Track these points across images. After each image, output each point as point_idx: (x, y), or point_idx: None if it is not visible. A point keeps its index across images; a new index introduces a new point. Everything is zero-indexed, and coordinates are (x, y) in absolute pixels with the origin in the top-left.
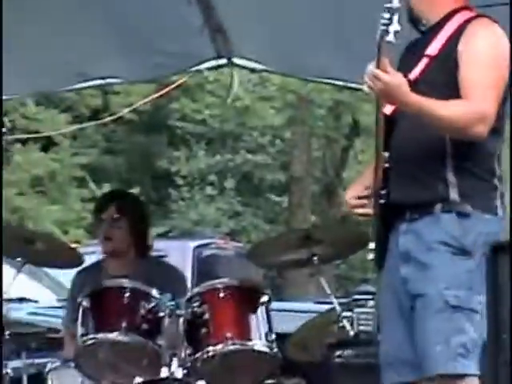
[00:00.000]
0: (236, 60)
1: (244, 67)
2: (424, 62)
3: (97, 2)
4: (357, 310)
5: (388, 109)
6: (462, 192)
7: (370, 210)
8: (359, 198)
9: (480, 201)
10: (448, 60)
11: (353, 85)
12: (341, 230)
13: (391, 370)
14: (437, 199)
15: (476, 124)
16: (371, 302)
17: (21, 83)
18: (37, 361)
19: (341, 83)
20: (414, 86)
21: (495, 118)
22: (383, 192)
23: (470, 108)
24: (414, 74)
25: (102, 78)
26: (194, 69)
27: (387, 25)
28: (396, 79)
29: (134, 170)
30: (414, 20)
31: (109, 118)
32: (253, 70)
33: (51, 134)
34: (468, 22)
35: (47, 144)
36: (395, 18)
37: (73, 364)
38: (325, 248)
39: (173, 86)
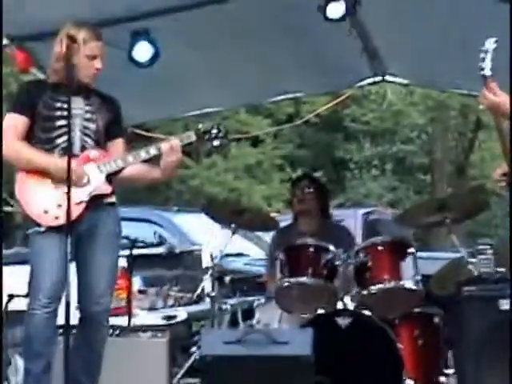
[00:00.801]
0: (388, 77)
1: (394, 82)
2: None
3: (292, 33)
4: (479, 256)
5: None
6: None
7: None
8: (503, 175)
9: None
10: None
11: (474, 93)
12: (467, 199)
13: None
14: None
15: None
16: (490, 251)
17: (236, 97)
18: (248, 299)
19: (466, 92)
20: None
21: None
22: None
23: None
24: None
25: (292, 92)
26: (357, 84)
27: (483, 62)
28: (499, 99)
29: (319, 159)
30: None
31: (300, 121)
32: (400, 84)
33: (258, 133)
34: None
35: (255, 141)
36: (488, 56)
37: (274, 300)
38: (455, 213)
39: (344, 96)
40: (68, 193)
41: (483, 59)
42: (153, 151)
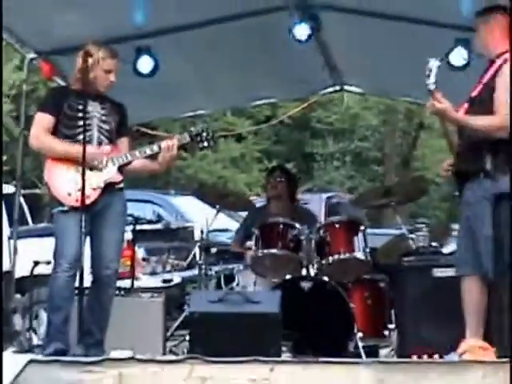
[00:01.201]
0: (346, 87)
1: (351, 91)
2: (479, 86)
3: (267, 51)
4: (417, 233)
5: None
6: (494, 165)
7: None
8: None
9: (502, 171)
10: (490, 87)
11: (418, 100)
12: (409, 186)
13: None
14: (479, 169)
15: (497, 129)
16: (426, 229)
17: (222, 102)
18: (229, 266)
19: (411, 99)
20: (473, 101)
21: None
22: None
23: (493, 121)
24: (474, 93)
25: (268, 98)
26: (321, 92)
27: (428, 77)
28: (444, 106)
29: (291, 153)
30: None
31: (275, 122)
32: (356, 93)
33: (241, 131)
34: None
35: (239, 138)
36: (432, 73)
37: (250, 267)
38: (399, 197)
39: (310, 102)
40: (83, 179)
41: (428, 76)
42: (155, 148)
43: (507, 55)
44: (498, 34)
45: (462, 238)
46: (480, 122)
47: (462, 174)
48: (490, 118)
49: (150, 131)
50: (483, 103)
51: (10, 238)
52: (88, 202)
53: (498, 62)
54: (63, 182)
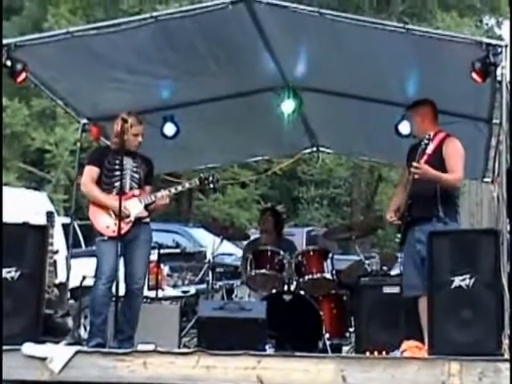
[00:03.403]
0: (321, 148)
1: (325, 152)
2: (426, 155)
3: (261, 121)
4: (371, 259)
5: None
6: (444, 212)
7: (398, 221)
8: (393, 214)
9: (452, 216)
10: (439, 154)
11: (374, 159)
12: (367, 224)
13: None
14: (433, 216)
15: (457, 184)
16: (378, 256)
17: (227, 158)
18: (230, 282)
19: (372, 159)
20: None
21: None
22: (407, 213)
23: (455, 177)
24: (422, 160)
25: (263, 155)
26: (303, 152)
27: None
28: (427, 167)
29: (282, 197)
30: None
31: (270, 172)
32: (329, 153)
33: (244, 179)
34: (446, 137)
35: (243, 185)
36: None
37: (245, 283)
38: (358, 232)
39: (296, 158)
40: (119, 218)
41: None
42: (174, 190)
43: (441, 134)
44: (427, 121)
45: (412, 268)
46: (448, 177)
47: (413, 220)
48: (452, 175)
49: (173, 179)
50: (432, 167)
51: (66, 258)
52: (122, 232)
53: (436, 138)
54: (102, 218)
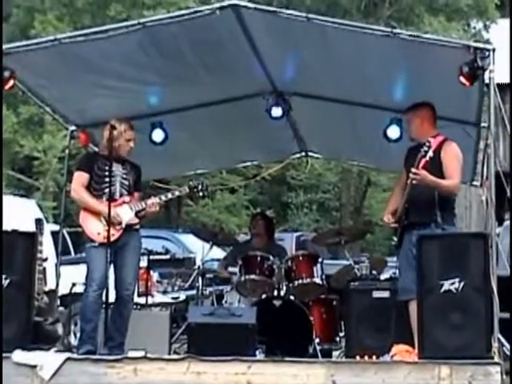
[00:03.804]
0: (309, 153)
1: (313, 157)
2: (424, 160)
3: (250, 126)
4: (361, 264)
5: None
6: (442, 217)
7: (395, 224)
8: (391, 216)
9: (449, 221)
10: (437, 159)
11: (366, 164)
12: (356, 229)
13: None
14: (431, 221)
15: (455, 190)
16: (367, 260)
17: (215, 164)
18: (220, 287)
19: (361, 163)
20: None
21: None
22: (405, 217)
23: (453, 183)
24: (420, 166)
25: (252, 160)
26: (291, 157)
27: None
28: (425, 173)
29: (271, 202)
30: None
31: (259, 177)
32: (317, 158)
33: (233, 185)
34: (444, 140)
35: (232, 190)
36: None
37: (235, 289)
38: (347, 237)
39: (284, 163)
40: (108, 224)
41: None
42: (164, 198)
43: (439, 138)
44: (426, 124)
45: (409, 272)
46: (446, 183)
47: (410, 224)
48: (450, 181)
49: (162, 185)
50: (430, 173)
51: (56, 265)
52: (112, 239)
53: (434, 143)
54: (93, 225)
